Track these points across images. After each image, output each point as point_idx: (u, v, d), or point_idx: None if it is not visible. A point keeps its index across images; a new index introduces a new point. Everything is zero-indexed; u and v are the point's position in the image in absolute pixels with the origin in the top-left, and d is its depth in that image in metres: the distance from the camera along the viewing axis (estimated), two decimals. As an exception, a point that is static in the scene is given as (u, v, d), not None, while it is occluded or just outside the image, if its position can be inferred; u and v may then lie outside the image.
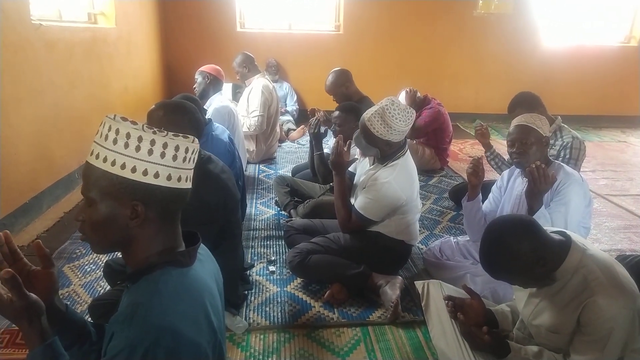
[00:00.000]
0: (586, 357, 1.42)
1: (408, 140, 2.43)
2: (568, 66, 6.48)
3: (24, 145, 2.93)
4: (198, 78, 3.68)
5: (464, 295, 1.84)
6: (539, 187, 1.90)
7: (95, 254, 2.60)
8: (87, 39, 3.78)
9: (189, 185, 0.96)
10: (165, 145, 0.89)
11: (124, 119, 0.89)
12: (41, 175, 3.17)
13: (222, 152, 2.58)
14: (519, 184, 2.23)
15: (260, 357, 1.90)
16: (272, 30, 6.21)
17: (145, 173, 0.88)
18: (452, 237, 2.66)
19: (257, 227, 3.06)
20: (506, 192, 2.35)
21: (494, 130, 6.05)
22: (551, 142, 2.65)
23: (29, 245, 2.62)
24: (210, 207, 1.82)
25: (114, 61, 4.31)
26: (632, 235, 3.18)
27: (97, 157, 0.88)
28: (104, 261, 2.21)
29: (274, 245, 2.81)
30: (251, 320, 2.10)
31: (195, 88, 3.70)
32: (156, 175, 0.89)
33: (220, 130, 2.77)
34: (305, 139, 4.91)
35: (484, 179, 2.23)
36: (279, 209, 3.29)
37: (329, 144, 4.00)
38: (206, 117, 2.81)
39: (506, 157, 2.71)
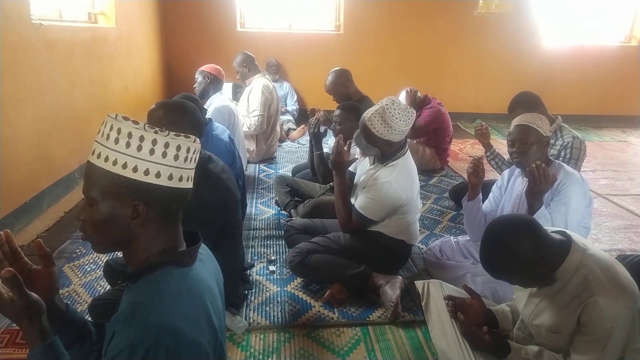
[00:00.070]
0: (586, 357, 1.42)
1: (408, 140, 2.43)
2: (568, 66, 6.48)
3: (24, 145, 2.93)
4: (198, 78, 3.68)
5: (464, 295, 1.85)
6: (539, 186, 1.90)
7: (95, 254, 2.60)
8: (87, 39, 3.78)
9: (190, 185, 0.96)
10: (166, 145, 0.89)
11: (126, 119, 0.89)
12: (41, 175, 3.17)
13: (222, 151, 2.58)
14: (519, 183, 2.23)
15: (260, 356, 1.90)
16: (272, 30, 6.21)
17: (146, 173, 0.88)
18: (452, 237, 2.66)
19: (257, 226, 3.06)
20: (506, 191, 2.35)
21: (494, 130, 6.05)
22: (551, 142, 2.65)
23: (29, 245, 2.61)
24: (211, 207, 1.82)
25: (114, 61, 4.31)
26: (632, 235, 3.18)
27: (99, 156, 0.88)
28: (104, 261, 2.21)
29: (274, 245, 2.81)
30: (251, 320, 2.10)
31: (195, 88, 3.70)
32: (157, 175, 0.89)
33: (220, 129, 2.77)
34: (306, 139, 4.91)
35: (484, 179, 2.23)
36: (279, 208, 3.29)
37: (328, 143, 4.00)
38: (206, 116, 2.81)
39: (506, 156, 2.71)
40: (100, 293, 2.21)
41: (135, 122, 0.89)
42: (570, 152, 2.64)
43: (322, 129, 3.14)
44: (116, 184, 0.88)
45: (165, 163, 0.89)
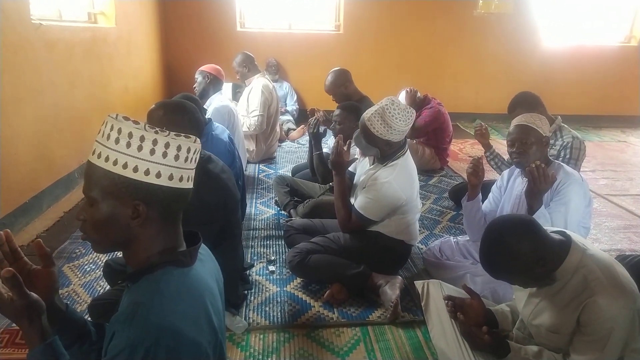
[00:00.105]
0: (586, 357, 1.42)
1: (408, 140, 2.43)
2: (568, 66, 6.48)
3: (24, 145, 2.93)
4: (198, 78, 3.68)
5: (464, 295, 1.85)
6: (539, 186, 1.90)
7: (94, 254, 2.60)
8: (87, 39, 3.78)
9: (190, 185, 0.96)
10: (167, 145, 0.89)
11: (126, 119, 0.89)
12: (41, 175, 3.17)
13: (222, 151, 2.58)
14: (519, 183, 2.23)
15: (260, 357, 1.90)
16: (272, 30, 6.21)
17: (147, 173, 0.88)
18: (452, 237, 2.66)
19: (257, 226, 3.06)
20: (506, 192, 2.35)
21: (494, 130, 6.05)
22: (551, 142, 2.65)
23: (28, 245, 2.61)
24: (210, 207, 1.82)
25: (114, 61, 4.31)
26: (632, 235, 3.18)
27: (99, 156, 0.88)
28: (104, 261, 2.21)
29: (274, 245, 2.81)
30: (251, 320, 2.10)
31: (195, 88, 3.70)
32: (158, 175, 0.89)
33: (220, 129, 2.77)
34: (305, 139, 4.90)
35: (484, 179, 2.23)
36: (278, 208, 3.29)
37: (328, 143, 4.00)
38: (206, 116, 2.81)
39: (506, 157, 2.71)
40: (100, 293, 2.21)
41: (136, 122, 0.89)
42: (570, 152, 2.64)
43: (321, 129, 3.14)
44: (117, 184, 0.88)
45: (166, 163, 0.89)
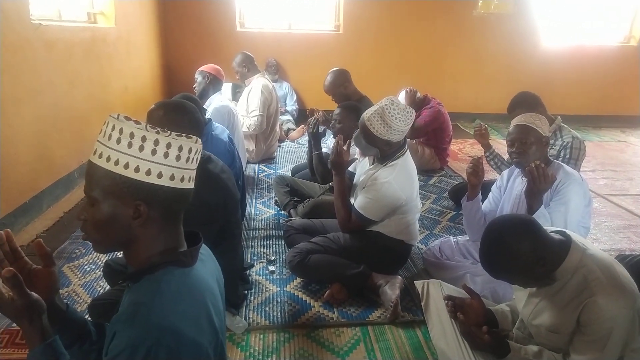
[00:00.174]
0: (586, 356, 1.42)
1: (408, 140, 2.43)
2: (568, 66, 6.48)
3: (24, 145, 2.93)
4: (198, 78, 3.69)
5: (464, 295, 1.85)
6: (539, 186, 1.90)
7: (95, 254, 2.60)
8: (86, 39, 3.78)
9: (191, 185, 0.96)
10: (168, 145, 0.89)
11: (128, 119, 0.89)
12: (41, 175, 3.17)
13: (222, 151, 2.58)
14: (519, 183, 2.23)
15: (260, 357, 1.90)
16: (272, 30, 6.21)
17: (148, 173, 0.88)
18: (451, 237, 2.66)
19: (257, 226, 3.06)
20: (506, 191, 2.35)
21: (494, 130, 6.06)
22: (551, 142, 2.65)
23: (28, 245, 2.61)
24: (210, 207, 1.82)
25: (114, 61, 4.31)
26: (632, 235, 3.18)
27: (101, 156, 0.88)
28: (104, 261, 2.21)
29: (274, 245, 2.81)
30: (251, 320, 2.10)
31: (195, 88, 3.70)
32: (159, 175, 0.89)
33: (220, 130, 2.77)
34: (305, 139, 4.88)
35: (484, 179, 2.23)
36: (278, 208, 3.29)
37: (327, 143, 4.00)
38: (206, 116, 2.81)
39: (506, 157, 2.71)
40: (100, 293, 2.21)
41: (137, 122, 0.89)
42: (570, 152, 2.64)
43: (321, 129, 3.14)
44: (118, 184, 0.88)
45: (167, 163, 0.89)
